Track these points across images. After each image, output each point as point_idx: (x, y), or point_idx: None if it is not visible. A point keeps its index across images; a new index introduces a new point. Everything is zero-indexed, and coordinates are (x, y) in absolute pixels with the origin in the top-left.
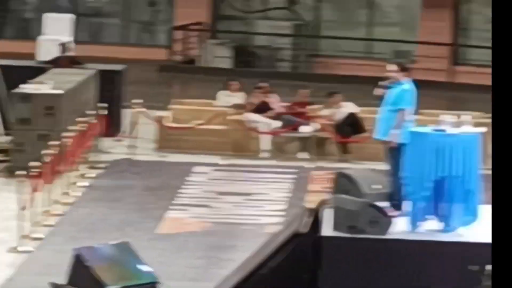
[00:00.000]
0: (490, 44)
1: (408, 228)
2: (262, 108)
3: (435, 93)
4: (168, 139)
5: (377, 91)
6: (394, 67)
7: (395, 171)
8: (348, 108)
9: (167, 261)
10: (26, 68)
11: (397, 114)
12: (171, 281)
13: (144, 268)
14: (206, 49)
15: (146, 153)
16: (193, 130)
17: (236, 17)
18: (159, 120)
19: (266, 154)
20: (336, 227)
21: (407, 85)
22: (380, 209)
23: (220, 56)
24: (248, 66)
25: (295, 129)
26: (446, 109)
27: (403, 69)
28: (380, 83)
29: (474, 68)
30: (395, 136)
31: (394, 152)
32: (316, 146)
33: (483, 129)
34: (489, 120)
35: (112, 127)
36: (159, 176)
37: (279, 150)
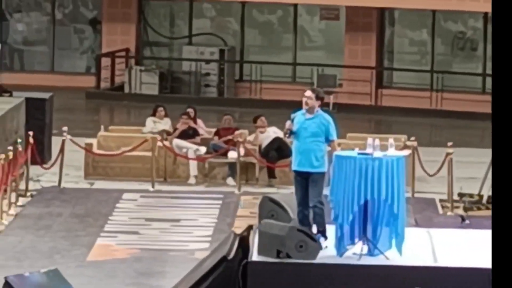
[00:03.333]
0: (414, 67)
1: (335, 252)
2: (189, 134)
3: (360, 117)
4: (95, 166)
5: (288, 125)
6: (311, 93)
7: (321, 199)
8: (273, 132)
9: None
10: None
11: (330, 145)
12: None
13: None
14: (133, 76)
15: (74, 180)
16: (121, 157)
17: (162, 43)
18: (86, 147)
19: (194, 180)
20: (264, 252)
21: (326, 115)
22: (308, 234)
23: (146, 82)
24: (174, 92)
25: (222, 154)
26: (372, 133)
27: (319, 97)
28: (292, 115)
29: (399, 91)
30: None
31: (321, 180)
32: (242, 171)
33: (408, 152)
34: (414, 143)
35: (40, 154)
36: (87, 203)
37: (206, 176)
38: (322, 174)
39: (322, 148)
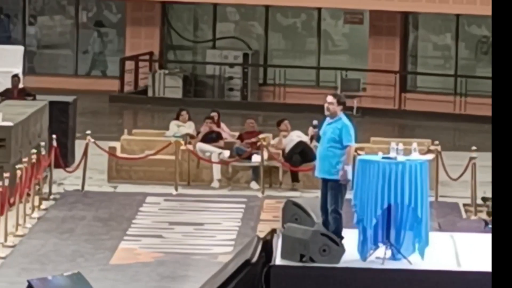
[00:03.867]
0: (438, 71)
1: (358, 257)
2: (212, 138)
3: (384, 121)
4: (119, 170)
5: (311, 131)
6: (332, 99)
7: (336, 207)
8: (296, 136)
9: None
10: None
11: (345, 151)
12: None
13: None
14: (157, 79)
15: (98, 184)
16: (144, 161)
17: (186, 47)
18: (110, 150)
19: (217, 184)
20: (287, 256)
21: (346, 119)
22: (331, 238)
23: (170, 86)
24: (198, 95)
25: (246, 158)
26: (395, 137)
27: (341, 103)
28: (314, 122)
29: (423, 95)
30: (347, 173)
31: (338, 188)
32: (266, 175)
33: (431, 156)
34: (437, 147)
35: (64, 158)
36: (111, 206)
37: (230, 180)
38: (339, 181)
39: (338, 154)
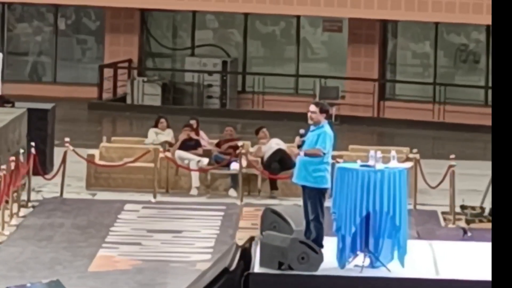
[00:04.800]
0: (416, 79)
1: (336, 264)
2: (191, 145)
3: (362, 129)
4: (97, 177)
5: (297, 141)
6: (315, 108)
7: (316, 216)
8: (275, 144)
9: None
10: None
11: (315, 149)
12: None
13: None
14: (135, 87)
15: (76, 191)
16: (123, 168)
17: (165, 54)
18: (89, 158)
19: (195, 191)
20: (265, 264)
21: (327, 128)
22: (310, 246)
23: (149, 93)
24: (177, 103)
25: (224, 166)
26: (374, 145)
27: (323, 110)
28: (300, 131)
29: (401, 103)
30: (297, 152)
31: (315, 196)
32: (244, 183)
33: (410, 164)
34: (416, 155)
35: (42, 165)
36: (89, 214)
37: (208, 187)
38: (317, 190)
39: (315, 162)
